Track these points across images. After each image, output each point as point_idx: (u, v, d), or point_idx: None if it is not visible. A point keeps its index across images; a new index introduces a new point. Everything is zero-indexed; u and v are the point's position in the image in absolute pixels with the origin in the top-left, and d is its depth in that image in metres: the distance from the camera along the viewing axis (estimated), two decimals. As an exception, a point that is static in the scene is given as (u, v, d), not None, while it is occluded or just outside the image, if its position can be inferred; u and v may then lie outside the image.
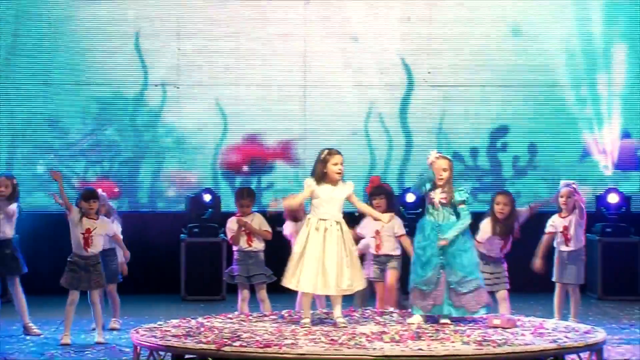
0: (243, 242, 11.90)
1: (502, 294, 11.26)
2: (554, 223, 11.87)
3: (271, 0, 15.55)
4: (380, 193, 11.39)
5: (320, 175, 9.77)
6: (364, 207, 10.25)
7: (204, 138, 15.62)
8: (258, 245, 11.91)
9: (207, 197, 15.00)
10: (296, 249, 9.81)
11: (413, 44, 15.69)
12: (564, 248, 11.80)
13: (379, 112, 15.70)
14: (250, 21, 15.59)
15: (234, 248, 11.99)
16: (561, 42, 15.72)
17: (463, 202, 9.96)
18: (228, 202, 15.30)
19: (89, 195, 11.48)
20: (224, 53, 15.58)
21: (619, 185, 15.47)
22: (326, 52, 15.63)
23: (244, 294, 11.93)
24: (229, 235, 11.99)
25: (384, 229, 11.26)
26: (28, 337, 11.65)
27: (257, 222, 11.96)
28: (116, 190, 15.14)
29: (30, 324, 11.89)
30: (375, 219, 10.42)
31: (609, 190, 15.22)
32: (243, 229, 11.83)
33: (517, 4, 15.72)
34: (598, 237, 14.89)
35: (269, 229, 11.92)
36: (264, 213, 12.15)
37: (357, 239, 11.15)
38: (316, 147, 14.89)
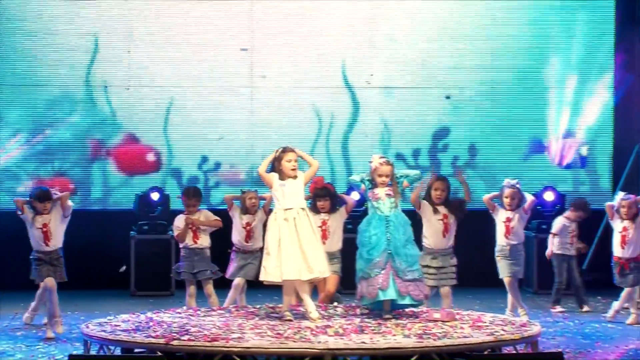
0: (189, 240, 11.91)
1: (446, 290, 11.29)
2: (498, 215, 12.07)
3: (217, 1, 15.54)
4: (324, 194, 11.38)
5: (277, 172, 9.86)
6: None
7: (154, 137, 15.55)
8: (204, 242, 11.92)
9: (155, 196, 14.96)
10: (270, 243, 9.81)
11: (356, 47, 15.70)
12: (503, 242, 11.87)
13: (323, 114, 15.70)
14: (195, 25, 15.52)
15: (180, 245, 11.99)
16: (499, 44, 15.79)
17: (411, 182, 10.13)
18: (176, 201, 15.30)
19: (43, 196, 11.46)
20: (172, 55, 15.51)
21: (555, 184, 15.58)
22: (271, 54, 15.60)
23: (190, 290, 11.95)
24: (176, 232, 11.98)
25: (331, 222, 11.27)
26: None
27: (204, 217, 11.98)
28: (72, 186, 15.04)
29: None
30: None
31: (545, 189, 15.33)
32: (190, 226, 11.83)
33: (455, 7, 15.77)
34: (534, 234, 15.01)
35: (218, 218, 11.93)
36: (213, 211, 12.18)
37: None
38: (263, 145, 15.09)
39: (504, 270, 12.04)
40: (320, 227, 11.11)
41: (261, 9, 15.58)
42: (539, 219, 15.18)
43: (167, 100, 15.54)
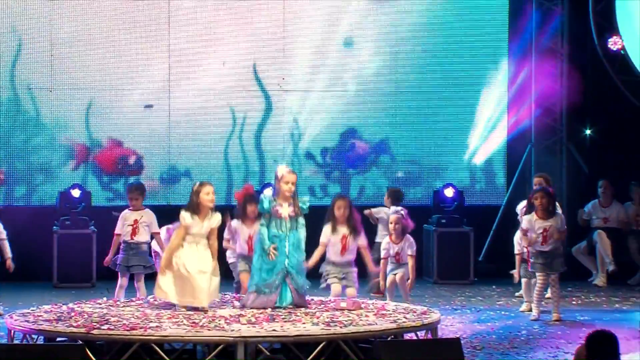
0: (127, 235, 11.83)
1: (350, 290, 11.08)
2: (387, 247, 11.85)
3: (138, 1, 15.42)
4: (255, 201, 11.17)
5: (195, 205, 9.74)
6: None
7: (76, 137, 15.38)
8: (141, 238, 11.86)
9: (76, 193, 14.81)
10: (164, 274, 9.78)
11: (268, 52, 15.67)
12: (394, 270, 11.79)
13: (237, 115, 15.65)
14: (115, 26, 15.38)
15: (121, 239, 11.90)
16: (395, 51, 15.88)
17: (305, 213, 9.98)
18: (97, 197, 15.17)
19: None
20: (94, 57, 15.35)
21: (453, 180, 15.71)
22: (188, 57, 15.51)
23: (122, 282, 11.87)
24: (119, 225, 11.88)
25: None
26: None
27: (148, 218, 11.87)
28: (1, 177, 14.86)
29: None
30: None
31: (445, 185, 15.44)
32: (133, 222, 11.78)
33: (351, 16, 15.80)
34: (434, 228, 15.12)
35: (157, 230, 11.83)
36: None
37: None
38: (180, 145, 15.02)
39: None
40: (246, 241, 10.90)
41: (180, 11, 15.49)
42: (439, 213, 15.30)
43: (87, 102, 15.36)
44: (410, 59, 15.85)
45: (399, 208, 12.13)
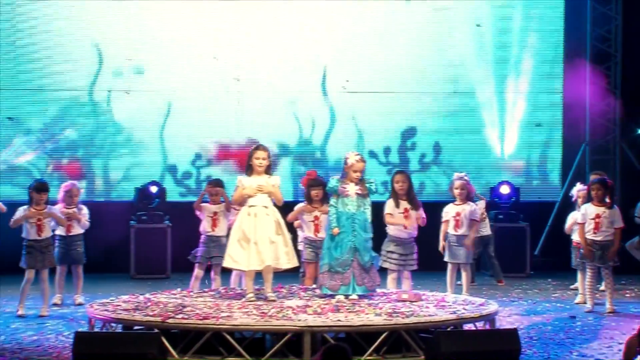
0: (209, 227, 11.86)
1: (407, 274, 11.23)
2: (448, 210, 11.91)
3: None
4: (318, 184, 11.30)
5: (248, 167, 9.80)
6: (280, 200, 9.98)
7: (151, 137, 15.51)
8: (220, 231, 11.91)
9: (153, 189, 14.94)
10: (232, 233, 9.80)
11: (333, 54, 15.68)
12: (453, 232, 11.82)
13: (303, 116, 15.69)
14: (189, 37, 15.50)
15: (201, 232, 11.92)
16: (459, 54, 15.81)
17: (372, 193, 10.01)
18: (172, 193, 15.28)
19: (40, 187, 11.43)
20: (168, 62, 15.47)
21: (510, 177, 15.63)
22: (256, 62, 15.58)
23: (198, 273, 11.92)
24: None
25: (323, 216, 11.17)
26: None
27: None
28: (81, 171, 15.03)
29: None
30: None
31: (501, 183, 15.37)
32: (213, 215, 11.81)
33: (412, 18, 15.76)
34: (492, 223, 14.99)
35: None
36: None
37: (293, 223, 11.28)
38: (249, 146, 15.07)
39: (452, 256, 11.88)
40: (312, 221, 11.10)
41: (247, 21, 15.56)
42: (496, 209, 15.23)
43: (165, 104, 15.49)
44: (467, 60, 15.76)
45: (463, 174, 12.10)
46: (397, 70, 15.75)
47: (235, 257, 9.71)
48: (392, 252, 11.07)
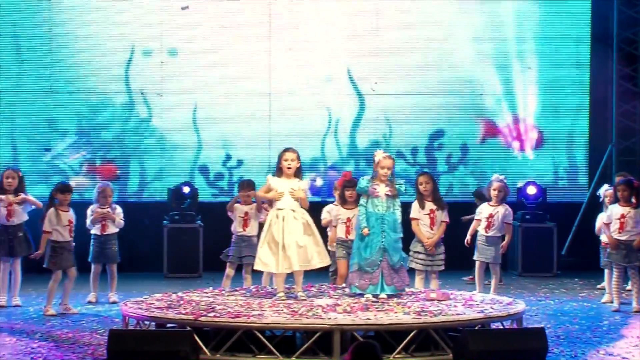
0: (240, 227, 11.89)
1: (434, 274, 11.20)
2: (482, 210, 11.89)
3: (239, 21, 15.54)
4: (353, 185, 11.23)
5: (277, 169, 9.80)
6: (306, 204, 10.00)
7: (183, 138, 15.56)
8: (252, 231, 11.92)
9: (185, 189, 14.98)
10: (262, 236, 9.82)
11: (362, 58, 15.68)
12: (484, 232, 11.77)
13: (335, 118, 15.69)
14: (221, 40, 15.53)
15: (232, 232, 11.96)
16: (483, 56, 15.76)
17: (401, 194, 9.99)
18: (204, 194, 15.32)
19: (64, 188, 11.49)
20: (200, 65, 15.52)
21: (536, 178, 15.57)
22: (288, 62, 15.60)
23: (229, 272, 11.93)
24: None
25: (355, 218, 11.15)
26: (31, 309, 11.58)
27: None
28: (115, 173, 15.10)
29: (16, 298, 11.84)
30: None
31: (528, 183, 15.31)
32: (244, 215, 11.82)
33: (442, 19, 15.72)
34: (519, 223, 14.97)
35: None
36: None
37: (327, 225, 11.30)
38: (279, 146, 15.06)
39: (481, 255, 11.85)
40: (345, 223, 11.05)
41: (279, 23, 15.58)
42: (523, 209, 15.18)
43: (197, 106, 15.54)
44: (495, 61, 15.71)
45: (502, 176, 12.06)
46: (425, 72, 15.71)
47: (264, 260, 9.72)
48: (419, 252, 11.06)
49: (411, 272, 10.65)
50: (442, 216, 11.12)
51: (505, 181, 11.95)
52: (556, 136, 15.89)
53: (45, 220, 11.30)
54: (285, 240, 9.62)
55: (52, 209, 11.36)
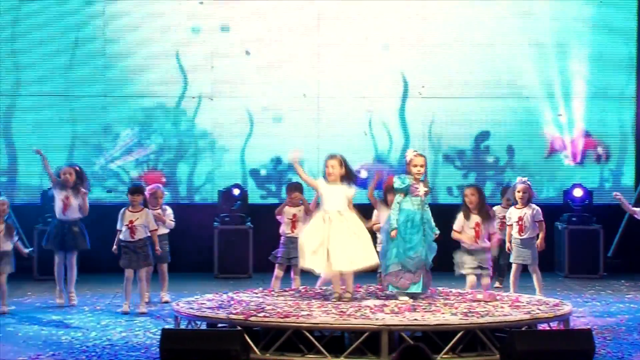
0: (288, 229, 11.92)
1: (486, 280, 10.98)
2: (510, 215, 11.76)
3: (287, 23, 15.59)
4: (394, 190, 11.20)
5: (323, 175, 9.84)
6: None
7: (234, 141, 15.63)
8: (299, 233, 11.91)
9: (236, 192, 15.04)
10: (304, 236, 9.85)
11: (409, 60, 15.65)
12: (517, 236, 11.64)
13: (382, 121, 15.68)
14: (270, 43, 15.58)
15: (281, 233, 11.99)
16: (529, 59, 15.66)
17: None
18: (254, 196, 15.36)
19: (132, 190, 11.61)
20: (250, 68, 15.57)
21: (583, 180, 15.44)
22: (336, 66, 15.61)
23: (278, 273, 11.96)
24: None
25: None
26: (86, 308, 11.69)
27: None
28: (163, 180, 15.20)
29: (73, 294, 11.95)
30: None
31: (574, 186, 15.21)
32: (292, 217, 11.84)
33: (489, 22, 15.66)
34: (565, 225, 14.87)
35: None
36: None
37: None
38: (327, 149, 15.06)
39: (518, 257, 11.76)
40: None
41: (327, 28, 15.60)
42: (569, 212, 15.07)
43: (244, 108, 15.60)
44: (540, 64, 15.62)
45: (525, 178, 11.98)
46: (471, 75, 15.64)
47: (310, 260, 9.72)
48: (464, 261, 10.82)
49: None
50: (490, 228, 10.77)
51: (529, 183, 11.84)
52: (602, 138, 15.74)
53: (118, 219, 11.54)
54: (330, 243, 9.61)
55: (122, 209, 11.52)
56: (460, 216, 10.77)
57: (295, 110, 15.60)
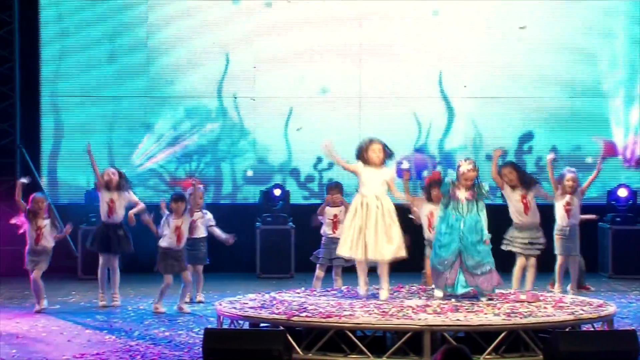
0: (329, 229, 11.93)
1: (532, 261, 11.15)
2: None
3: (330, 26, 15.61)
4: (439, 185, 11.21)
5: (362, 159, 9.79)
6: (396, 192, 10.04)
7: (275, 141, 15.66)
8: (340, 233, 11.91)
9: (277, 192, 15.08)
10: (345, 222, 9.89)
11: (452, 59, 15.61)
12: (564, 223, 11.72)
13: (423, 122, 15.65)
14: (312, 45, 15.61)
15: (322, 233, 12.03)
16: (575, 59, 15.58)
17: (483, 198, 9.95)
18: (295, 196, 15.39)
19: (174, 197, 11.63)
20: (292, 70, 15.61)
21: (627, 181, 15.34)
22: (377, 67, 15.61)
23: (319, 273, 11.96)
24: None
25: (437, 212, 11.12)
26: (130, 308, 11.77)
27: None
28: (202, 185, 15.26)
29: (117, 295, 12.03)
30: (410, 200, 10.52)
31: (619, 186, 15.12)
32: (333, 217, 11.86)
33: (536, 26, 15.60)
34: (609, 225, 14.78)
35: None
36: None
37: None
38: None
39: (565, 249, 11.92)
40: (427, 215, 11.13)
41: (369, 28, 15.60)
42: (613, 212, 14.97)
43: (286, 108, 15.63)
44: (585, 63, 15.54)
45: (573, 169, 12.10)
46: (513, 74, 15.60)
47: (347, 246, 9.72)
48: (515, 237, 11.10)
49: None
50: (538, 191, 11.28)
51: (576, 172, 11.95)
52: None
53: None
54: (366, 229, 9.63)
55: (165, 216, 11.56)
56: (506, 189, 11.25)
57: (337, 110, 15.61)
